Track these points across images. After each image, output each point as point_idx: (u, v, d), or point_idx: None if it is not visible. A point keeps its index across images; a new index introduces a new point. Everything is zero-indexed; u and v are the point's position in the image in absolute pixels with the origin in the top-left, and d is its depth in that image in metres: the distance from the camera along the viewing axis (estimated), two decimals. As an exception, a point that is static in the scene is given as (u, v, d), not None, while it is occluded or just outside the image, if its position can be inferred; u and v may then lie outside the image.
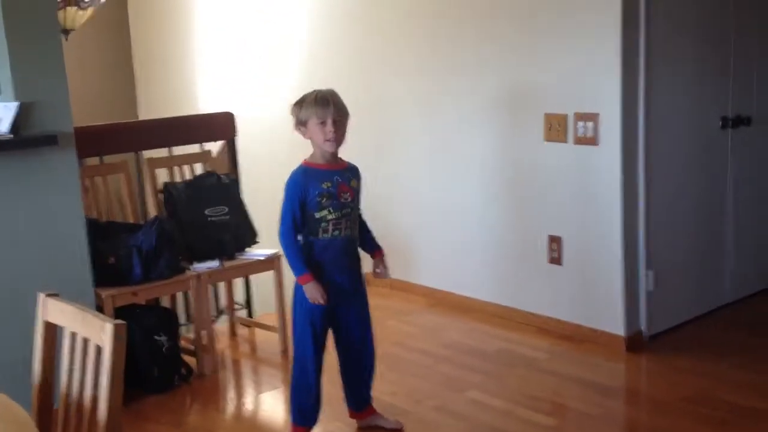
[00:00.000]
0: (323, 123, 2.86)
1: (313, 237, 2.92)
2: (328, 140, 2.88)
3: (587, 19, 3.78)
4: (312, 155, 2.97)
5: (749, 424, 3.16)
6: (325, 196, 2.88)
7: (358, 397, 3.19)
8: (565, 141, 3.94)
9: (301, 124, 2.93)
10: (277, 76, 5.60)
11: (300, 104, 2.93)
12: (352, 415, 3.22)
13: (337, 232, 2.91)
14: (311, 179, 2.90)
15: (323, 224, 2.89)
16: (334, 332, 3.08)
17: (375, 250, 3.15)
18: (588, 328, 4.00)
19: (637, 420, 3.33)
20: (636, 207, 3.87)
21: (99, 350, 1.79)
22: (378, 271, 3.13)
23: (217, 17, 6.13)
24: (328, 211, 2.89)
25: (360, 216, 3.08)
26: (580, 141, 3.88)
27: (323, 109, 2.87)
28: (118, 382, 1.75)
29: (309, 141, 2.97)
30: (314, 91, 2.94)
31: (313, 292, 2.88)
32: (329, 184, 2.90)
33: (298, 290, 2.99)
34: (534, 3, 4.00)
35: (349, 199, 2.94)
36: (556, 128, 3.97)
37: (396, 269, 3.16)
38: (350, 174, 2.99)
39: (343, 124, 2.91)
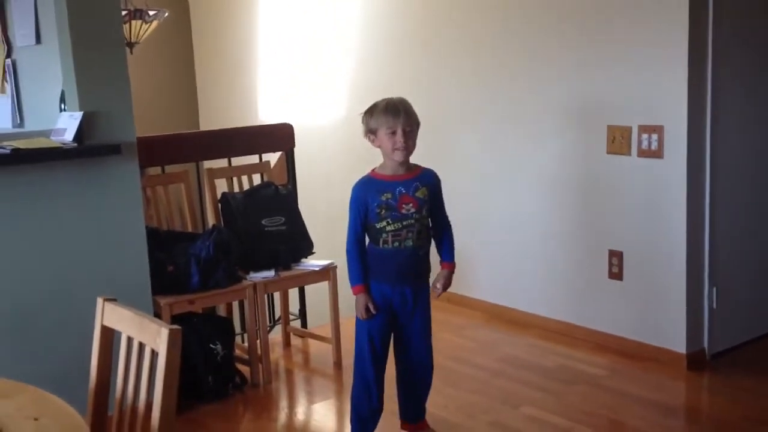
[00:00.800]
0: (393, 132, 2.84)
1: (374, 245, 2.93)
2: (397, 149, 2.86)
3: (654, 30, 3.70)
4: (381, 165, 2.96)
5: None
6: (384, 208, 2.87)
7: (413, 410, 3.16)
8: (628, 153, 3.86)
9: (370, 132, 2.91)
10: (334, 89, 5.63)
11: (370, 112, 2.91)
12: (403, 426, 3.19)
13: (396, 243, 2.89)
14: (371, 191, 2.89)
15: (383, 235, 2.89)
16: (394, 342, 3.06)
17: (444, 260, 3.08)
18: (649, 345, 3.89)
19: (700, 442, 3.22)
20: (701, 222, 3.76)
21: (154, 355, 1.80)
22: (437, 285, 3.07)
23: (278, 29, 6.21)
24: (386, 222, 2.88)
25: (444, 224, 3.06)
26: (643, 153, 3.79)
27: (394, 119, 2.85)
28: (172, 388, 1.75)
29: (373, 151, 2.96)
30: (385, 99, 2.93)
31: (360, 304, 2.92)
32: (389, 196, 2.88)
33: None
34: (601, 13, 3.93)
35: (412, 210, 2.90)
36: (619, 140, 3.89)
37: (453, 283, 3.11)
38: (419, 183, 2.94)
39: (414, 134, 2.90)
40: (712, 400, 3.59)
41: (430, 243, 3.02)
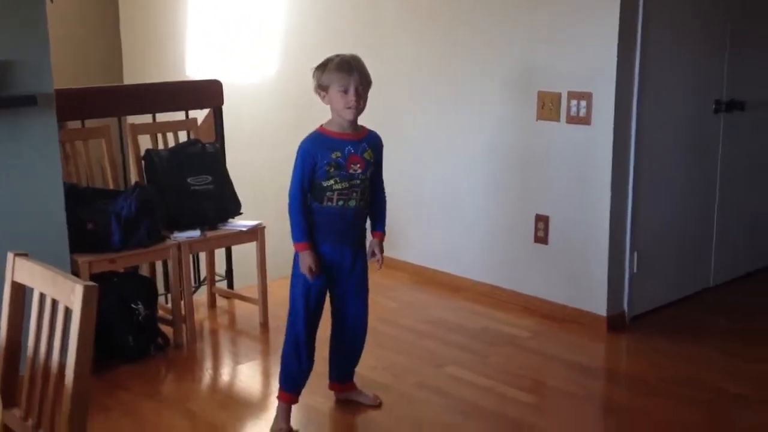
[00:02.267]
0: (345, 91, 2.78)
1: (317, 204, 2.87)
2: (348, 108, 2.80)
3: (583, -4, 3.72)
4: (329, 121, 2.89)
5: (729, 406, 3.16)
6: (333, 166, 2.82)
7: (344, 371, 3.17)
8: (557, 120, 3.89)
9: (321, 88, 2.84)
10: (266, 46, 5.51)
11: (322, 68, 2.83)
12: (331, 387, 3.19)
13: (341, 202, 2.85)
14: (321, 148, 2.83)
15: (328, 193, 2.84)
16: (331, 304, 3.04)
17: (377, 230, 3.05)
18: (572, 308, 3.97)
19: (616, 399, 3.31)
20: (625, 188, 3.83)
21: (68, 313, 1.73)
22: (373, 253, 3.03)
23: (207, -16, 6.02)
24: (335, 180, 2.83)
25: (379, 189, 3.02)
26: (572, 120, 3.83)
27: (347, 76, 2.78)
28: (87, 347, 1.69)
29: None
30: (338, 55, 2.85)
31: (306, 262, 2.84)
32: (339, 154, 2.83)
33: (295, 256, 2.95)
34: (530, -23, 3.93)
35: (359, 171, 2.87)
36: (549, 107, 3.91)
37: (383, 245, 3.09)
38: (366, 144, 2.90)
39: (365, 93, 2.84)
40: (630, 361, 3.70)
41: (368, 205, 2.99)
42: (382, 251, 3.04)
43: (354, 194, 2.88)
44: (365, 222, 3.01)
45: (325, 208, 2.86)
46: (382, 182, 3.04)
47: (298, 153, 2.86)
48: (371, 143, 2.93)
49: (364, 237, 3.03)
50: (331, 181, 2.83)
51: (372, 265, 3.05)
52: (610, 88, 3.68)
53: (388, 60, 4.70)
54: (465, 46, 4.28)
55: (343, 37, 4.88)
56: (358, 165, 2.87)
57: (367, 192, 2.93)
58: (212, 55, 6.00)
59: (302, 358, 2.96)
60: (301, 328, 2.94)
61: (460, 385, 3.32)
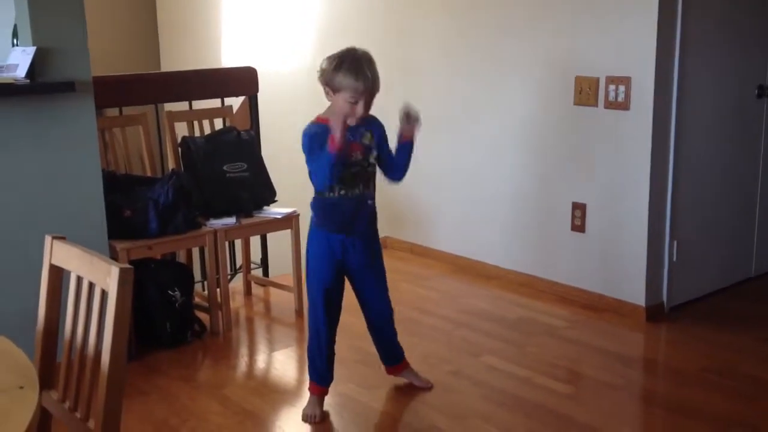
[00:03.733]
0: (355, 101, 2.70)
1: (320, 196, 2.85)
2: (353, 117, 2.74)
3: (622, -21, 3.65)
4: (325, 112, 2.83)
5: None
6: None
7: (389, 353, 3.18)
8: (595, 105, 3.83)
9: (330, 86, 2.75)
10: (301, 35, 5.51)
11: (337, 68, 2.70)
12: (388, 371, 3.21)
13: (343, 192, 2.82)
14: (324, 139, 2.74)
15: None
16: (354, 291, 3.03)
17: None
18: (609, 297, 3.92)
19: (655, 389, 3.25)
20: (664, 175, 3.76)
21: (105, 295, 1.73)
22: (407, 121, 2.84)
23: (242, -27, 6.03)
24: (337, 168, 2.78)
25: (389, 162, 2.91)
26: (610, 105, 3.77)
27: (363, 90, 2.68)
28: (123, 329, 1.69)
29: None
30: (353, 54, 2.73)
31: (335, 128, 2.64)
32: None
33: (308, 244, 2.94)
34: (567, -39, 3.86)
35: (360, 158, 2.83)
36: (586, 92, 3.85)
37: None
38: (364, 129, 2.84)
39: (373, 99, 2.76)
40: (669, 352, 3.63)
41: (375, 191, 2.95)
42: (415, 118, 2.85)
43: (356, 182, 2.83)
44: (374, 208, 2.95)
45: (327, 199, 2.83)
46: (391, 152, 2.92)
47: (303, 141, 2.77)
48: (370, 126, 2.86)
49: (375, 224, 2.99)
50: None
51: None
52: (649, 72, 3.61)
53: (422, 44, 4.67)
54: (501, 30, 4.23)
55: (378, 21, 4.86)
56: (358, 152, 2.82)
57: (371, 179, 2.89)
58: (248, 43, 6.02)
59: (323, 350, 2.96)
60: (322, 321, 2.94)
61: (496, 374, 3.29)
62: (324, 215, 2.87)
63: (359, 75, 2.69)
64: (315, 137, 2.76)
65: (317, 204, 2.87)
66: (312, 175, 2.83)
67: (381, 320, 3.11)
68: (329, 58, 2.77)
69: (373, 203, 2.95)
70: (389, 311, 3.10)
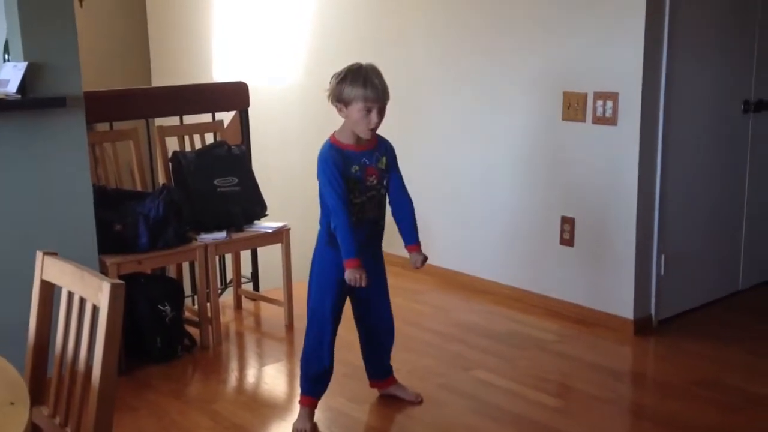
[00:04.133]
0: (368, 111, 2.71)
1: None
2: (370, 129, 2.75)
3: (609, -4, 3.69)
4: (340, 132, 2.82)
5: (757, 410, 3.11)
6: (352, 181, 2.78)
7: (379, 368, 3.18)
8: (583, 120, 3.86)
9: (340, 101, 2.75)
10: (292, 50, 5.54)
11: (344, 81, 2.72)
12: (373, 385, 3.21)
13: (360, 215, 2.82)
14: (341, 162, 2.76)
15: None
16: (353, 306, 3.05)
17: (411, 242, 2.93)
18: (598, 311, 3.94)
19: (643, 403, 3.27)
20: (652, 190, 3.80)
21: (96, 311, 1.74)
22: (417, 266, 2.95)
23: (233, -12, 6.06)
24: (354, 195, 2.78)
25: (402, 195, 2.93)
26: (598, 120, 3.80)
27: (374, 98, 2.69)
28: (114, 344, 1.70)
29: (329, 116, 2.85)
30: (360, 67, 2.74)
31: (355, 274, 2.74)
32: (357, 168, 2.79)
33: (317, 260, 2.95)
34: (556, -21, 3.91)
35: (375, 182, 2.83)
36: (574, 107, 3.89)
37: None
38: (379, 153, 2.85)
39: (384, 109, 2.77)
40: (657, 365, 3.65)
41: (386, 211, 2.97)
42: (424, 260, 2.95)
43: (372, 206, 2.85)
44: (383, 230, 2.97)
45: None
46: (403, 187, 2.95)
47: (322, 167, 2.77)
48: (384, 150, 2.88)
49: (381, 241, 3.01)
50: (351, 196, 2.78)
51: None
52: (636, 88, 3.65)
53: (413, 62, 4.70)
54: (491, 46, 4.27)
55: (369, 40, 4.89)
56: (374, 176, 2.83)
57: (383, 201, 2.91)
58: (239, 58, 6.04)
59: (325, 361, 2.96)
60: (327, 332, 2.95)
61: (487, 388, 3.30)
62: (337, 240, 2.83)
63: (367, 83, 2.71)
64: (330, 163, 2.75)
65: (331, 227, 2.83)
66: (325, 203, 2.83)
67: (383, 336, 3.12)
68: (335, 74, 2.78)
69: (384, 224, 2.96)
70: (392, 326, 3.12)
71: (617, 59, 3.71)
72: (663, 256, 3.87)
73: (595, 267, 3.95)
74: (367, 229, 2.86)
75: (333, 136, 2.84)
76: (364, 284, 2.77)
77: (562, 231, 4.05)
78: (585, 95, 3.84)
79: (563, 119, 3.95)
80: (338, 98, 2.76)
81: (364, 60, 2.84)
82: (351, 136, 2.80)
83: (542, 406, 3.14)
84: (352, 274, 2.75)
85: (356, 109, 2.72)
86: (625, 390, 3.37)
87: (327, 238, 2.90)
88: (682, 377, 3.38)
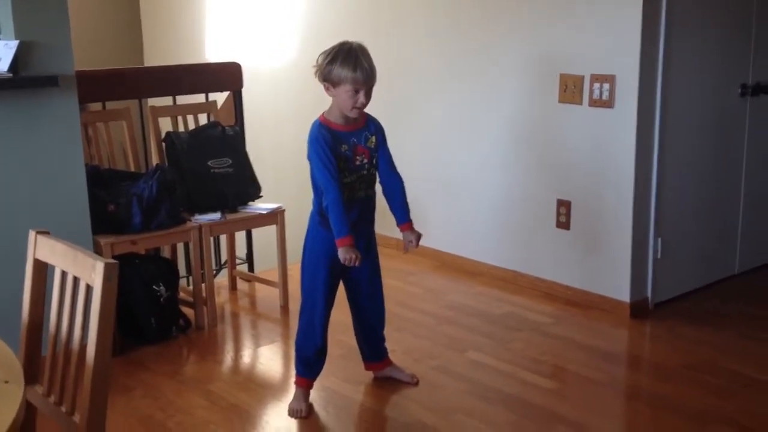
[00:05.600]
0: (356, 91, 2.71)
1: None
2: (356, 108, 2.75)
3: (607, -23, 3.66)
4: (329, 112, 2.82)
5: (751, 393, 3.11)
6: (342, 160, 2.78)
7: (373, 349, 3.18)
8: (580, 103, 3.84)
9: (328, 81, 2.74)
10: (286, 30, 5.49)
11: (333, 61, 2.71)
12: (368, 368, 3.21)
13: (350, 195, 2.82)
14: (331, 141, 2.75)
15: None
16: (346, 287, 3.05)
17: (403, 221, 2.94)
18: (594, 294, 3.94)
19: (638, 385, 3.28)
20: (649, 173, 3.79)
21: (89, 290, 1.73)
22: (409, 244, 2.95)
23: (228, -33, 6.00)
24: (344, 175, 2.78)
25: (391, 173, 2.93)
26: (595, 103, 3.78)
27: (362, 79, 2.69)
28: (108, 324, 1.69)
29: (324, 96, 2.84)
30: (347, 46, 2.73)
31: (350, 254, 2.73)
32: (346, 147, 2.79)
33: (309, 242, 2.94)
34: (553, -41, 3.88)
35: (365, 161, 2.83)
36: (571, 89, 3.86)
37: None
38: (368, 132, 2.85)
39: (372, 90, 2.77)
40: (652, 348, 3.66)
41: (375, 189, 2.96)
42: (418, 237, 2.94)
43: (361, 185, 2.84)
44: (374, 210, 2.97)
45: None
46: (392, 164, 2.94)
47: (313, 146, 2.76)
48: (373, 129, 2.88)
49: (374, 223, 3.00)
50: (341, 176, 2.78)
51: (409, 246, 2.98)
52: (633, 71, 3.63)
53: (408, 42, 4.67)
54: (486, 28, 4.24)
55: (363, 19, 4.86)
56: (363, 155, 2.83)
57: (373, 181, 2.90)
58: (232, 39, 6.00)
59: (318, 342, 2.96)
60: (320, 313, 2.94)
61: (481, 370, 3.31)
62: (328, 219, 2.83)
63: (357, 65, 2.70)
64: (321, 142, 2.74)
65: (323, 208, 2.82)
66: (316, 184, 2.82)
67: (375, 317, 3.11)
68: (324, 53, 2.77)
69: (374, 202, 2.95)
70: (383, 308, 3.12)
71: (614, 41, 3.69)
72: (659, 240, 3.87)
73: (591, 250, 3.95)
74: (357, 208, 2.85)
75: (322, 115, 2.84)
76: (357, 263, 2.76)
77: (558, 214, 4.04)
78: (582, 78, 3.82)
79: (560, 102, 3.93)
80: (326, 78, 2.75)
81: (360, 39, 2.83)
82: (340, 115, 2.81)
83: (537, 388, 3.14)
84: (345, 253, 2.74)
85: (344, 90, 2.73)
86: (620, 372, 3.38)
87: (318, 219, 2.89)
88: (678, 360, 3.38)
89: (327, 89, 2.79)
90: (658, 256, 3.88)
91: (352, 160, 2.80)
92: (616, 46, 3.68)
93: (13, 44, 3.07)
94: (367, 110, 2.85)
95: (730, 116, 4.15)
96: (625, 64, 3.65)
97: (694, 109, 3.93)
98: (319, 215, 2.88)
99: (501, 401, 3.05)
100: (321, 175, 2.76)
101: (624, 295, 3.83)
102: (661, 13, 3.63)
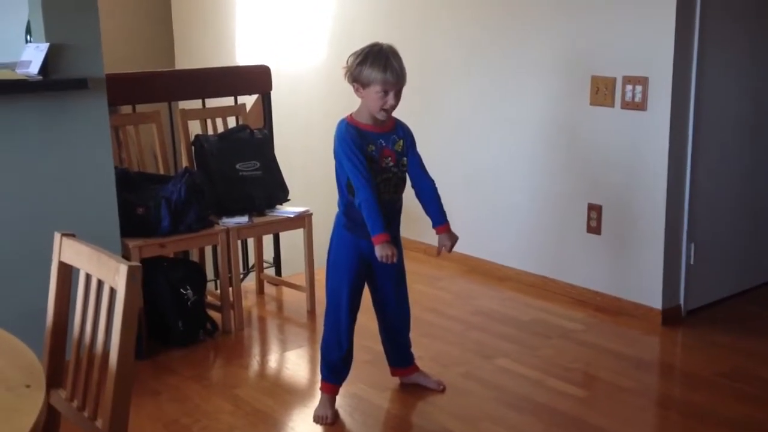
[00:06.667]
0: (385, 93, 2.70)
1: (352, 200, 2.80)
2: (385, 110, 2.73)
3: (640, -22, 3.60)
4: (358, 113, 2.81)
5: (790, 405, 3.03)
6: (368, 160, 2.76)
7: (399, 355, 3.15)
8: (611, 105, 3.78)
9: (358, 82, 2.73)
10: (315, 33, 5.49)
11: (363, 62, 2.70)
12: (394, 373, 3.18)
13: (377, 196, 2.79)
14: (358, 140, 2.74)
15: None
16: (371, 291, 3.02)
17: (439, 224, 2.91)
18: (625, 300, 3.87)
19: (670, 394, 3.21)
20: (682, 177, 3.71)
21: (113, 293, 1.72)
22: (443, 248, 2.92)
23: (258, -29, 6.02)
24: None
25: (422, 176, 2.91)
26: (627, 105, 3.72)
27: (392, 81, 2.68)
28: (131, 327, 1.67)
29: (352, 99, 2.82)
30: (378, 47, 2.72)
31: (386, 251, 2.71)
32: (373, 148, 2.77)
33: (334, 245, 2.92)
34: (585, -40, 3.82)
35: (391, 164, 2.81)
36: (603, 92, 3.80)
37: (430, 235, 3.03)
38: (396, 136, 2.83)
39: (401, 92, 2.75)
40: (685, 356, 3.58)
41: (403, 194, 2.93)
42: (453, 241, 2.91)
43: (387, 188, 2.82)
44: (400, 213, 2.94)
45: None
46: (423, 167, 2.92)
47: (341, 145, 2.75)
48: (401, 134, 2.86)
49: (399, 226, 2.97)
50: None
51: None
52: (667, 72, 3.56)
53: (436, 42, 4.64)
54: (517, 28, 4.19)
55: (392, 19, 4.83)
56: (390, 158, 2.81)
57: (399, 184, 2.87)
58: (262, 41, 6.01)
59: (343, 348, 2.94)
60: (345, 318, 2.92)
61: (509, 377, 3.26)
62: (355, 223, 2.82)
63: (387, 66, 2.69)
64: (349, 140, 2.73)
65: (349, 210, 2.82)
66: (342, 185, 2.81)
67: (400, 322, 3.09)
68: (354, 54, 2.76)
69: (401, 206, 2.93)
70: (408, 312, 3.09)
71: (647, 43, 3.62)
72: (693, 245, 3.79)
73: (622, 255, 3.88)
74: (383, 210, 2.81)
75: (350, 115, 2.83)
76: (394, 260, 2.73)
77: (589, 218, 3.98)
78: (614, 79, 3.75)
79: (591, 104, 3.87)
80: (356, 79, 2.74)
81: (390, 42, 2.80)
82: (368, 116, 2.79)
83: (566, 396, 3.09)
84: (382, 250, 2.71)
85: (374, 91, 2.71)
86: (652, 381, 3.31)
87: (344, 221, 2.88)
88: (711, 368, 3.31)
89: (356, 90, 2.77)
90: (692, 262, 3.81)
91: (378, 162, 2.79)
92: (648, 47, 3.62)
93: (44, 47, 3.09)
94: (395, 112, 2.83)
95: (765, 118, 4.06)
96: (658, 66, 3.59)
97: (729, 112, 3.85)
98: (345, 217, 2.86)
99: (529, 409, 3.00)
100: (351, 173, 2.74)
101: (656, 301, 3.75)
102: (696, 13, 3.57)
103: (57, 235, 1.92)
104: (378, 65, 2.69)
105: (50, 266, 1.95)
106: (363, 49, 2.75)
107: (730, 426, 2.86)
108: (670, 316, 3.76)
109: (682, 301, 3.82)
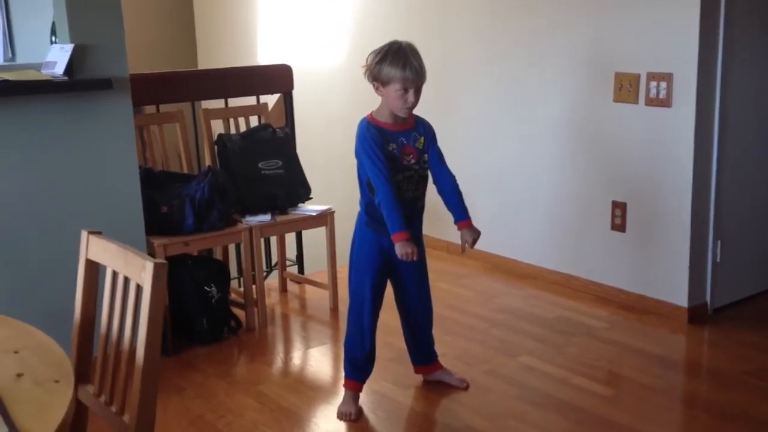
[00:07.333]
0: (405, 90, 2.70)
1: (374, 198, 2.81)
2: (406, 107, 2.73)
3: (664, -28, 3.57)
4: (379, 111, 2.81)
5: (820, 404, 2.99)
6: (389, 158, 2.76)
7: (422, 352, 3.16)
8: (635, 102, 3.75)
9: (378, 81, 2.74)
10: (337, 32, 5.49)
11: (382, 60, 2.70)
12: (417, 371, 3.19)
13: (398, 194, 2.78)
14: (379, 139, 2.75)
15: None
16: (394, 289, 3.03)
17: (461, 220, 2.90)
18: (650, 298, 3.84)
19: (695, 392, 3.18)
20: (707, 174, 3.68)
21: (139, 290, 1.73)
22: (466, 243, 2.91)
23: (279, -29, 6.04)
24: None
25: (444, 173, 2.91)
26: (651, 102, 3.69)
27: (412, 79, 2.68)
28: (157, 323, 1.69)
29: (374, 97, 2.82)
30: (397, 45, 2.72)
31: (406, 248, 2.71)
32: (394, 146, 2.78)
33: (357, 243, 2.93)
34: (608, -45, 3.79)
35: (412, 161, 2.81)
36: (626, 88, 3.78)
37: (453, 232, 3.03)
38: (417, 133, 2.84)
39: (421, 89, 2.75)
40: (711, 354, 3.55)
41: (426, 192, 2.93)
42: (476, 236, 2.90)
43: (409, 185, 2.82)
44: (422, 213, 2.94)
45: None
46: (443, 162, 2.92)
47: (362, 144, 2.76)
48: (422, 131, 2.86)
49: (421, 224, 2.96)
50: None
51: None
52: (692, 68, 3.53)
53: (457, 40, 4.62)
54: (540, 25, 4.17)
55: (412, 17, 4.83)
56: (411, 155, 2.81)
57: (421, 182, 2.87)
58: (283, 41, 6.03)
59: (366, 345, 2.94)
60: (368, 315, 2.93)
61: (533, 375, 3.25)
62: (377, 221, 2.82)
63: (406, 64, 2.69)
64: (369, 139, 2.74)
65: (370, 208, 2.83)
66: (363, 183, 2.82)
67: (423, 319, 3.09)
68: (373, 52, 2.76)
69: (423, 204, 2.93)
70: (431, 311, 3.09)
71: (671, 39, 3.59)
72: (719, 242, 3.76)
73: (648, 253, 3.85)
74: (405, 208, 2.81)
75: (370, 114, 2.83)
76: (415, 258, 2.73)
77: (614, 216, 3.96)
78: (638, 76, 3.72)
79: (615, 101, 3.84)
80: (376, 77, 2.75)
81: (411, 39, 2.80)
82: (389, 114, 2.79)
83: (591, 394, 3.07)
84: (402, 248, 2.72)
85: (394, 89, 2.71)
86: (677, 379, 3.28)
87: (366, 219, 2.88)
88: (737, 367, 3.27)
89: (376, 88, 2.78)
90: (718, 260, 3.77)
91: (400, 159, 2.79)
92: (673, 43, 3.59)
93: (69, 47, 3.12)
94: (415, 110, 2.83)
95: (794, 115, 4.01)
96: (682, 62, 3.55)
97: (755, 108, 3.81)
98: (367, 215, 2.87)
99: (553, 407, 2.99)
100: (371, 172, 2.75)
101: (682, 299, 3.72)
102: (721, 8, 3.53)
103: (84, 233, 1.94)
104: (397, 63, 2.69)
105: (77, 264, 1.97)
106: (382, 48, 2.76)
107: (757, 425, 2.83)
108: (697, 314, 3.73)
109: (708, 299, 3.79)
